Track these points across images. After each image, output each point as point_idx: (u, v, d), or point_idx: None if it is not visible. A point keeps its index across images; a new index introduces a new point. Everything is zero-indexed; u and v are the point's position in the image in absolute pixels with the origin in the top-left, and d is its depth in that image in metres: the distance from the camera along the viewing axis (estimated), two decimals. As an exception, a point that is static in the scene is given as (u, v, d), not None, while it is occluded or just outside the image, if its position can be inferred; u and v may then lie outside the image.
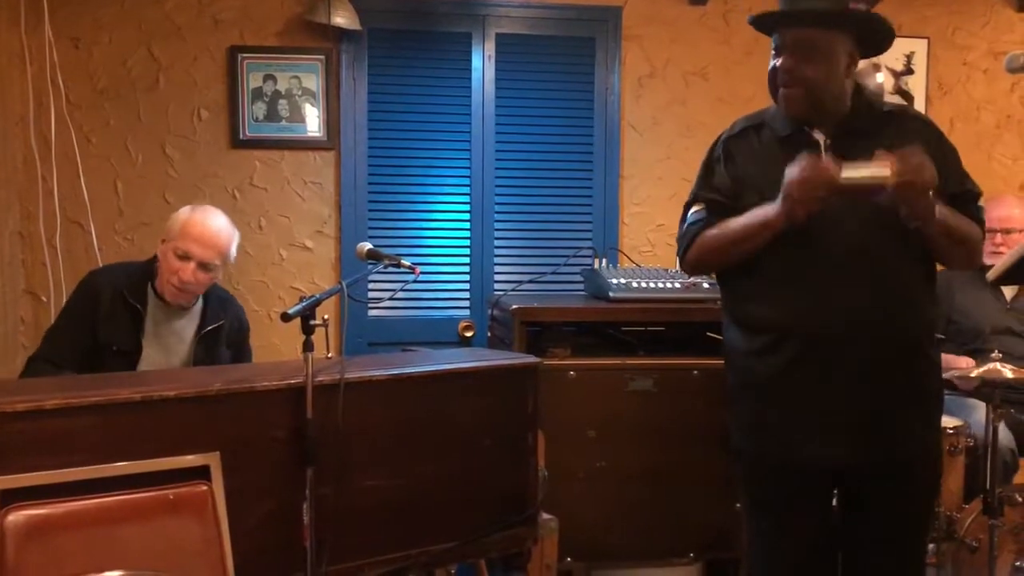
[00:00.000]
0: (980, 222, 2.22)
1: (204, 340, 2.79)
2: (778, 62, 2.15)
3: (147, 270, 2.76)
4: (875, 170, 1.97)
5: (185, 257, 2.67)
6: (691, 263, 2.34)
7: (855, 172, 1.99)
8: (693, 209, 2.32)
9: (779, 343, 2.15)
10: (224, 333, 2.84)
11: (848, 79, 2.17)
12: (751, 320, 2.22)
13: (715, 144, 2.33)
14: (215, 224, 2.76)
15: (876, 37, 2.23)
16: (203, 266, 2.69)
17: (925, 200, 2.01)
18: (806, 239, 2.10)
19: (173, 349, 2.76)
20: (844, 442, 2.14)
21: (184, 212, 2.77)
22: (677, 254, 2.41)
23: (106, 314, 2.66)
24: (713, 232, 2.24)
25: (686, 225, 2.33)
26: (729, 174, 2.26)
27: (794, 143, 2.16)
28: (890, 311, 2.12)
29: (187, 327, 2.79)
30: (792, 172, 2.03)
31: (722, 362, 2.35)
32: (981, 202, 2.24)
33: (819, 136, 2.16)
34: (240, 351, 2.93)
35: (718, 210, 2.25)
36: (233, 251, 2.83)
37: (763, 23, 2.21)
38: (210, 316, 2.81)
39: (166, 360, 2.74)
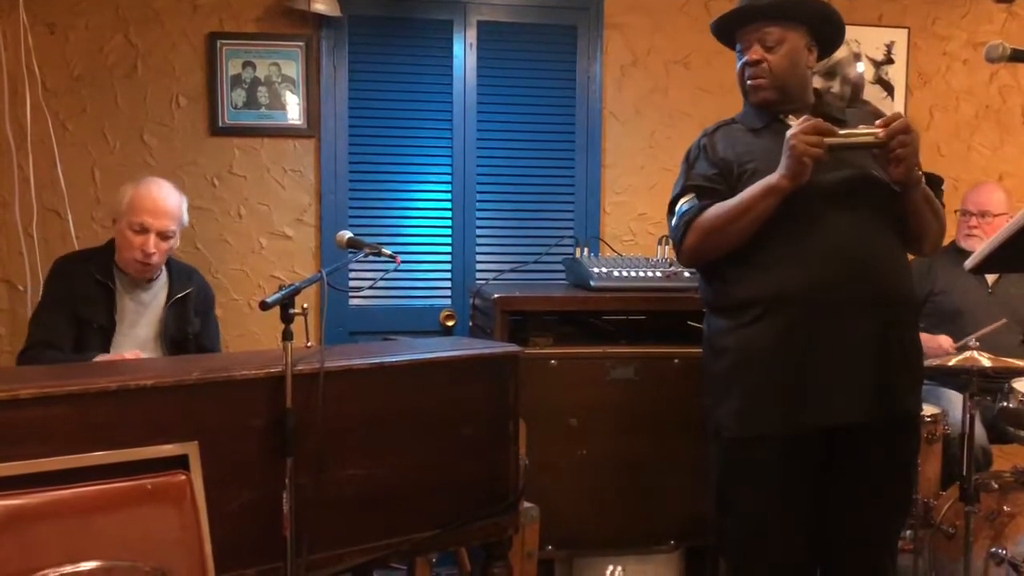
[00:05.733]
0: (942, 205, 2.34)
1: (174, 308, 2.89)
2: (746, 58, 2.30)
3: (108, 251, 2.85)
4: (867, 129, 2.13)
5: (143, 230, 2.75)
6: (690, 251, 2.30)
7: (849, 133, 2.16)
8: (681, 201, 2.33)
9: (769, 312, 2.19)
10: (192, 301, 2.94)
11: (810, 69, 2.33)
12: (743, 299, 2.24)
13: (691, 148, 2.40)
14: (162, 192, 2.84)
15: (828, 28, 2.33)
16: (161, 235, 2.78)
17: (915, 159, 2.12)
18: (796, 224, 2.17)
19: (145, 321, 2.86)
20: (849, 402, 2.18)
21: (129, 188, 2.84)
22: (674, 248, 2.38)
23: (82, 294, 2.75)
24: (709, 214, 2.25)
25: (677, 217, 2.32)
26: (710, 161, 2.32)
27: (770, 132, 2.27)
28: (875, 282, 2.19)
29: (156, 298, 2.89)
30: (792, 129, 2.12)
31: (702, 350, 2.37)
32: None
33: (792, 121, 2.23)
34: (207, 318, 3.03)
35: (707, 195, 2.28)
36: (185, 216, 2.92)
37: (722, 26, 2.35)
38: (177, 285, 2.92)
39: (140, 332, 2.83)
